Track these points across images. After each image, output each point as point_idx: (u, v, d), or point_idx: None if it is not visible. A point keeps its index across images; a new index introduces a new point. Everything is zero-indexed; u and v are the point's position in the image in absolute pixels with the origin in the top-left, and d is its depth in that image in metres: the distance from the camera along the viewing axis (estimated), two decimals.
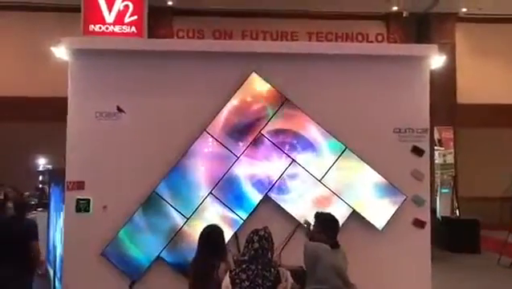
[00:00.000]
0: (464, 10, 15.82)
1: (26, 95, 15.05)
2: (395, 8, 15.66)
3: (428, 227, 6.01)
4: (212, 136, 5.92)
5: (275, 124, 5.97)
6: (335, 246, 4.75)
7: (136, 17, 10.81)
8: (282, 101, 5.96)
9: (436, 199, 13.64)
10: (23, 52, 15.35)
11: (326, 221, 4.86)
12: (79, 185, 5.85)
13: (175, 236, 5.81)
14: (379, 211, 5.90)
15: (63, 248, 6.05)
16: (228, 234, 5.49)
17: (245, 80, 5.96)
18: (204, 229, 5.10)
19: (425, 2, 15.40)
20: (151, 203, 5.83)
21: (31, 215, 8.13)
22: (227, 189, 5.88)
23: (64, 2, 14.18)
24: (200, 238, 5.02)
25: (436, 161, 14.62)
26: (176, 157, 5.87)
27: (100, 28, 10.87)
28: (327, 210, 5.31)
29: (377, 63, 6.05)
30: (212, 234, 5.02)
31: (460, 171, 15.05)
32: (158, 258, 5.79)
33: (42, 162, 15.21)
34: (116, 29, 10.73)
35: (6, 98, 15.09)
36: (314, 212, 5.12)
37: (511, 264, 10.54)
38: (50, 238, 8.58)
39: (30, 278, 5.85)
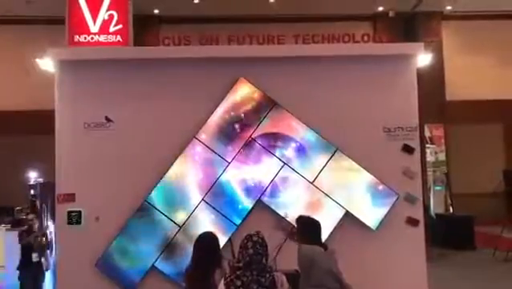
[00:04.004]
0: (449, 8, 15.90)
1: (16, 110, 14.96)
2: (381, 8, 15.72)
3: (421, 225, 6.01)
4: (202, 143, 5.89)
5: (265, 128, 5.95)
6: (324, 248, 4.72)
7: (121, 26, 10.71)
8: (271, 105, 5.95)
9: (429, 197, 13.66)
10: (13, 66, 15.23)
11: (304, 225, 4.84)
12: (70, 198, 5.81)
13: (168, 245, 5.78)
14: (373, 211, 5.91)
15: (57, 261, 5.99)
16: (222, 240, 5.45)
17: (233, 86, 5.95)
18: (198, 237, 5.05)
19: (411, 1, 15.46)
20: (143, 212, 5.80)
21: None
22: (219, 195, 5.86)
23: (52, 14, 14.09)
24: (194, 246, 4.96)
25: (428, 159, 14.64)
26: (166, 165, 5.84)
27: (85, 38, 10.76)
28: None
29: (364, 63, 6.07)
30: (206, 240, 4.96)
31: (452, 168, 15.10)
32: (152, 267, 5.75)
33: (33, 176, 15.07)
34: (101, 38, 10.62)
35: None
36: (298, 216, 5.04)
37: (506, 258, 10.57)
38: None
39: None
